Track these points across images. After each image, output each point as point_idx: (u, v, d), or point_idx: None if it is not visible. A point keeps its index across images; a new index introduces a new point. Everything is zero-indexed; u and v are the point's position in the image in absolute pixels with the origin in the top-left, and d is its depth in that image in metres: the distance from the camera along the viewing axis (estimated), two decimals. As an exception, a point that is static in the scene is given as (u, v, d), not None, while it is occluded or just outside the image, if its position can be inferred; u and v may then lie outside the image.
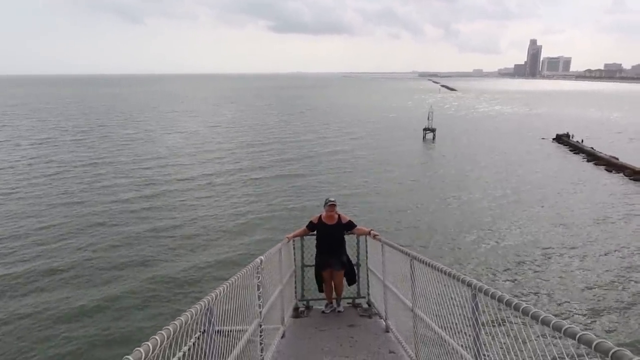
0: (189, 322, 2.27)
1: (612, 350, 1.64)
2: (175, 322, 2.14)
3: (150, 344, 1.84)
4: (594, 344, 1.72)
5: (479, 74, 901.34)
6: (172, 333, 2.05)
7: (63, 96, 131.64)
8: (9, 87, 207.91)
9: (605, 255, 18.13)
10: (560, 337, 1.96)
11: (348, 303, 7.95)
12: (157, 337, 1.92)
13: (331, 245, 7.21)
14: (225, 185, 28.74)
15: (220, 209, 23.74)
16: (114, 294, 14.34)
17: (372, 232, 7.13)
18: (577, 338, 1.82)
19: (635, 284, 15.56)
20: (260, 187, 28.46)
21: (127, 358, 1.68)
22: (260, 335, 4.52)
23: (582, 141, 46.10)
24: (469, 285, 2.97)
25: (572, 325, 1.88)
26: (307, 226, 7.42)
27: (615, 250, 18.59)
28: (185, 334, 2.45)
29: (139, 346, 1.79)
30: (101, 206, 23.59)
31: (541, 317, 2.07)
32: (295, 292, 7.84)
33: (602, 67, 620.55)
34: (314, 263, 7.51)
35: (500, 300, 2.49)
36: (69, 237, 19.21)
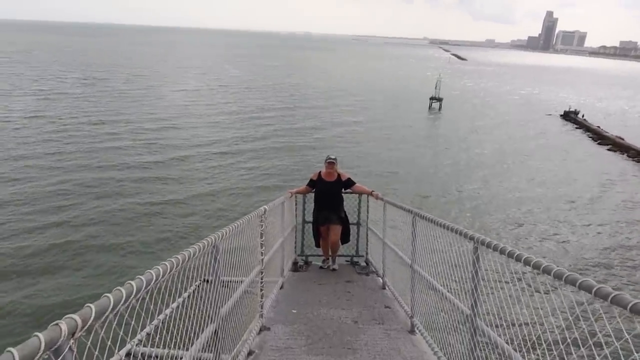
0: (197, 254, 2.32)
1: (612, 295, 1.68)
2: (184, 252, 2.19)
3: (160, 269, 1.89)
4: (594, 289, 1.76)
5: (491, 44, 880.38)
6: (181, 261, 2.09)
7: (62, 45, 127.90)
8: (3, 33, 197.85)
9: (600, 232, 18.33)
10: (561, 285, 2.00)
11: (346, 261, 8.10)
12: (167, 264, 1.96)
13: (329, 201, 7.25)
14: (230, 151, 27.81)
15: (223, 174, 23.12)
16: (117, 255, 14.03)
17: (374, 192, 7.15)
18: (577, 284, 1.86)
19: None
20: (264, 153, 27.51)
21: (138, 278, 1.73)
22: (261, 282, 4.64)
23: (583, 116, 46.13)
24: (471, 238, 3.01)
25: (574, 273, 1.92)
26: (307, 184, 7.46)
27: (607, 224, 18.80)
28: (186, 280, 2.49)
29: (150, 269, 1.83)
30: (100, 169, 22.23)
31: (543, 265, 2.11)
32: (295, 247, 7.98)
33: (617, 45, 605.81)
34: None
35: (502, 252, 2.53)
36: (64, 201, 17.95)
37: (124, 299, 1.57)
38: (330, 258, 7.62)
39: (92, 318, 1.39)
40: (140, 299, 1.76)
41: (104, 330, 1.54)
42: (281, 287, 6.28)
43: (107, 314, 1.48)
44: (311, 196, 7.74)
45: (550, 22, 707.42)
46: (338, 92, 57.95)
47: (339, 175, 7.29)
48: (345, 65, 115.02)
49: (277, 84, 63.49)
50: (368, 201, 7.73)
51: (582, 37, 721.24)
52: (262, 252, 4.56)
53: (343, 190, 7.37)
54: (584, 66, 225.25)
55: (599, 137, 38.49)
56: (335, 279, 7.02)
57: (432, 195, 21.65)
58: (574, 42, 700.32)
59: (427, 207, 18.86)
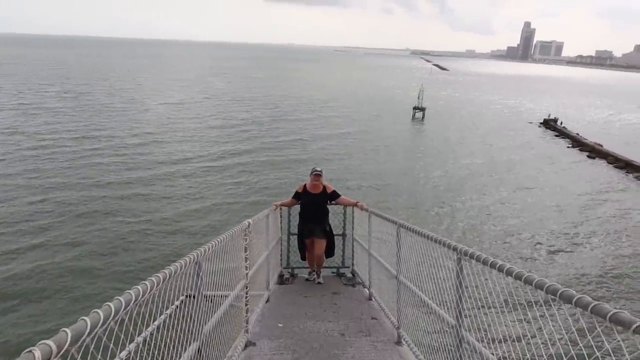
0: (178, 272, 2.28)
1: (592, 305, 1.70)
2: (164, 271, 2.15)
3: (140, 288, 1.85)
4: (575, 299, 1.78)
5: (471, 55, 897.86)
6: (161, 280, 2.05)
7: (42, 58, 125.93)
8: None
9: (586, 242, 18.64)
10: (543, 297, 2.01)
11: (332, 272, 8.07)
12: (147, 283, 1.92)
13: (314, 214, 7.23)
14: (216, 165, 27.41)
15: (208, 189, 22.76)
16: (98, 276, 13.64)
17: (359, 203, 7.16)
18: (558, 295, 1.88)
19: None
20: (250, 168, 27.12)
21: (117, 299, 1.68)
22: (246, 297, 4.58)
23: (562, 123, 47.33)
24: (455, 249, 3.03)
25: (555, 283, 1.94)
26: (293, 196, 7.44)
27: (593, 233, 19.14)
28: (168, 297, 2.43)
29: (129, 289, 1.79)
30: (81, 186, 21.58)
31: (524, 276, 2.13)
32: (281, 260, 7.92)
33: (593, 54, 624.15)
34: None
35: (484, 262, 2.55)
36: (43, 220, 17.28)
37: (101, 321, 1.53)
38: (315, 272, 7.59)
39: (67, 343, 1.34)
40: (119, 320, 1.71)
41: (80, 354, 1.49)
42: (267, 301, 6.21)
43: (83, 337, 1.43)
44: (297, 208, 7.71)
45: (528, 33, 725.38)
46: (324, 104, 58.19)
47: (324, 187, 7.29)
48: (331, 76, 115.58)
49: (263, 95, 63.47)
50: (353, 212, 7.74)
51: (559, 46, 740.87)
52: (246, 266, 4.52)
53: (328, 202, 7.37)
54: (562, 75, 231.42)
55: (578, 144, 39.37)
56: (322, 290, 6.99)
57: (420, 207, 21.71)
58: (551, 52, 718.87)
59: (417, 219, 18.97)
